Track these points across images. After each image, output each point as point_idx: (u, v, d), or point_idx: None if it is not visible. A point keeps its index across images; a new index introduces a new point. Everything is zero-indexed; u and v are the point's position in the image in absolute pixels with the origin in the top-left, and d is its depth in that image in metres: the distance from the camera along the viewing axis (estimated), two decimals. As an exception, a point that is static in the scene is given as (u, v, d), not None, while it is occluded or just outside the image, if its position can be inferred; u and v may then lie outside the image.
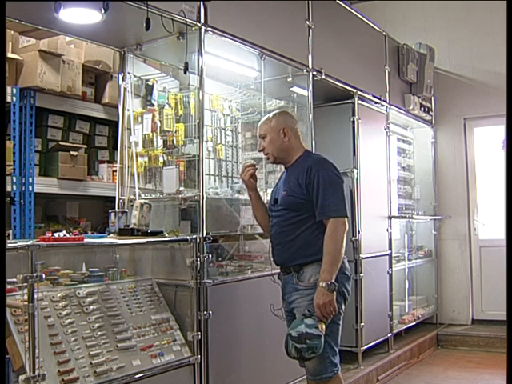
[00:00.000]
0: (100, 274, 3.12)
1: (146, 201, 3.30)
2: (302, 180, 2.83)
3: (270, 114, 3.04)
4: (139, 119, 3.78)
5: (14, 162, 3.72)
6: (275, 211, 2.94)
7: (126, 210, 3.49)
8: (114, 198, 3.68)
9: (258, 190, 3.09)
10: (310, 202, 2.81)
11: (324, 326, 2.69)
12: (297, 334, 2.63)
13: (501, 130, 5.96)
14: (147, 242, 3.21)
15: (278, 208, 2.92)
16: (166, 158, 3.77)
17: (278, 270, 2.99)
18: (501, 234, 5.93)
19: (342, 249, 2.75)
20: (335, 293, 2.69)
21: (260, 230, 3.31)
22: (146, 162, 3.76)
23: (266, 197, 3.61)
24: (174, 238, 3.22)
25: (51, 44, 3.91)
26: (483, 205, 6.48)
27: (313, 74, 4.27)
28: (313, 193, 2.80)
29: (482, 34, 6.32)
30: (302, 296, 2.80)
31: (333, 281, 2.68)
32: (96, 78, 4.38)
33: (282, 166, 3.06)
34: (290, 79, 4.25)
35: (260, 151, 3.02)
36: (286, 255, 2.87)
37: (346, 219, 2.79)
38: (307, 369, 2.83)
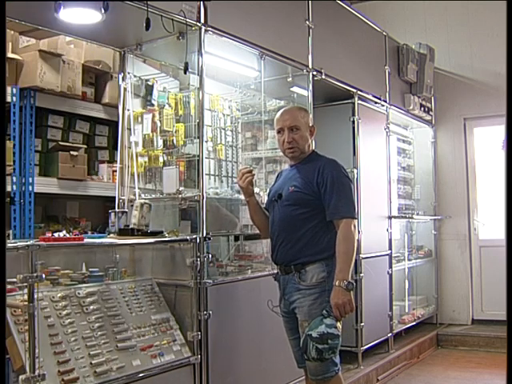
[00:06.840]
0: (100, 274, 3.12)
1: (146, 201, 3.30)
2: (312, 179, 2.83)
3: (297, 107, 3.04)
4: (139, 119, 3.77)
5: (14, 161, 3.72)
6: (279, 206, 2.91)
7: (126, 210, 3.49)
8: (114, 197, 3.68)
9: (259, 190, 3.09)
10: (319, 200, 2.81)
11: (339, 325, 2.70)
12: (318, 335, 2.62)
13: (501, 130, 5.96)
14: (147, 242, 3.21)
15: (283, 203, 2.89)
16: (165, 158, 3.77)
17: (276, 271, 2.99)
18: (501, 234, 5.92)
19: (355, 249, 2.76)
20: (351, 292, 2.69)
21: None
22: (146, 162, 3.76)
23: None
24: (174, 238, 3.22)
25: (51, 44, 3.91)
26: (483, 205, 6.47)
27: (313, 74, 4.27)
28: (325, 192, 2.79)
29: (482, 34, 6.32)
30: (305, 296, 2.79)
31: (350, 280, 2.68)
32: (96, 78, 4.37)
33: (281, 166, 3.05)
34: (289, 79, 4.25)
35: (289, 142, 2.90)
36: (291, 252, 2.84)
37: (356, 221, 2.81)
38: (309, 369, 2.81)
